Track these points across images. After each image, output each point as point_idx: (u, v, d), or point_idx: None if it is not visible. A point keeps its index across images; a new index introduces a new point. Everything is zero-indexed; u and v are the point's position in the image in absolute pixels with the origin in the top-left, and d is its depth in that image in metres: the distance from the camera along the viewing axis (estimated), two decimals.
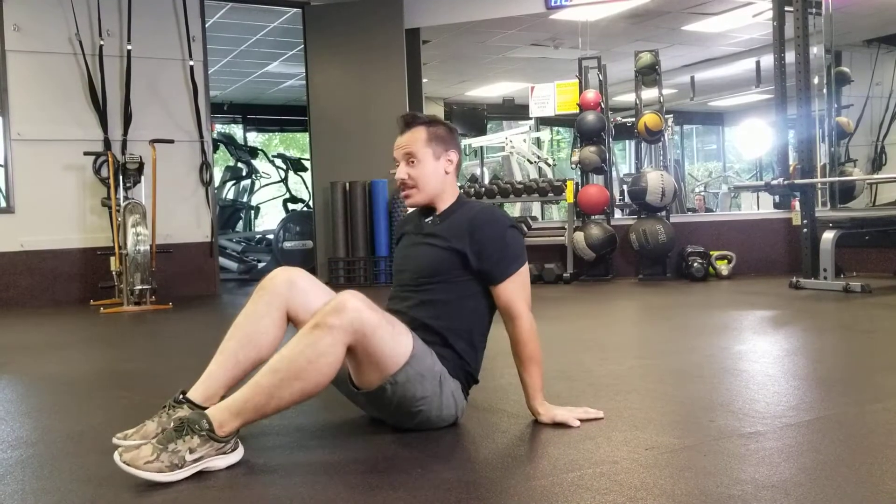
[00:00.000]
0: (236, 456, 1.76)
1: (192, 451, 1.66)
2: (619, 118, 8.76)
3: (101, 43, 6.21)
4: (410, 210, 2.27)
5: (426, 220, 2.15)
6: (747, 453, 1.74)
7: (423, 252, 2.11)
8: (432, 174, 2.09)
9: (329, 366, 1.71)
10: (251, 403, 1.70)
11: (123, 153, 6.01)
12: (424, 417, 1.96)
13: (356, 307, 1.74)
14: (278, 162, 11.54)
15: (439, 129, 2.11)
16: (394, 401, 1.89)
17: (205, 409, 1.97)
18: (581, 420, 2.03)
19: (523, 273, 2.07)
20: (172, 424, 1.70)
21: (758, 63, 9.28)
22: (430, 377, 1.91)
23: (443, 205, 2.13)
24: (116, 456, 1.62)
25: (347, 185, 6.88)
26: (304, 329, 1.74)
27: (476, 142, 10.39)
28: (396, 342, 1.84)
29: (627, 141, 11.63)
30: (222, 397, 2.00)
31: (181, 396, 1.97)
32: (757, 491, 1.49)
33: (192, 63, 6.57)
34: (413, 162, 2.08)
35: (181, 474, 1.64)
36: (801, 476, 1.59)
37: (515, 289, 2.05)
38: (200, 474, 1.68)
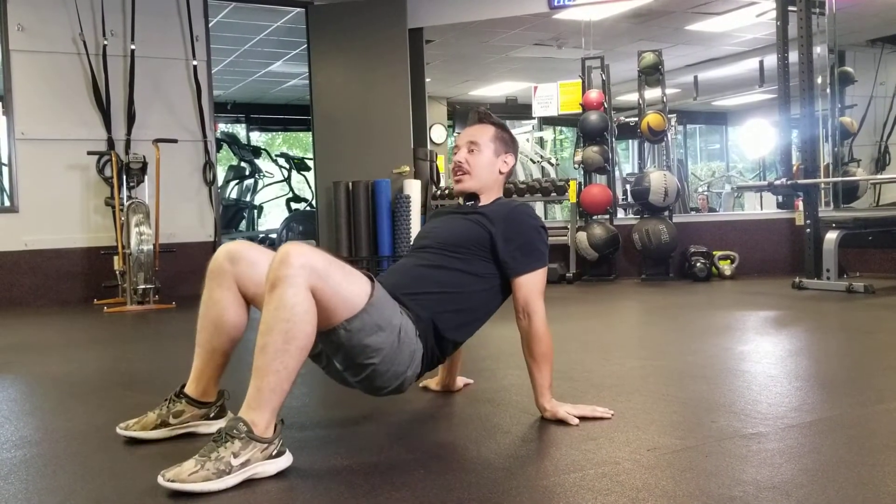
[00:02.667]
0: (285, 461, 1.72)
1: (236, 455, 1.61)
2: (622, 118, 8.76)
3: (105, 43, 6.23)
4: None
5: (467, 203, 2.25)
6: (749, 454, 1.75)
7: (454, 224, 2.19)
8: (487, 167, 2.21)
9: (307, 313, 1.68)
10: (265, 389, 1.67)
11: (127, 153, 6.02)
12: (373, 371, 1.88)
13: (299, 251, 1.71)
14: (281, 161, 11.56)
15: (505, 134, 2.27)
16: (346, 346, 1.83)
17: (202, 403, 2.03)
18: (586, 417, 2.04)
19: (543, 273, 2.12)
20: (212, 437, 1.66)
21: (761, 63, 9.28)
22: (388, 329, 1.85)
23: (487, 199, 2.24)
24: (160, 478, 1.57)
25: (350, 184, 6.88)
26: (266, 297, 1.71)
27: None
28: (351, 282, 1.80)
29: (630, 141, 11.64)
30: (220, 392, 2.07)
31: (180, 391, 2.04)
32: (758, 492, 1.50)
33: (195, 63, 6.58)
34: (474, 150, 2.20)
35: (230, 481, 1.60)
36: (802, 477, 1.59)
37: (535, 286, 2.09)
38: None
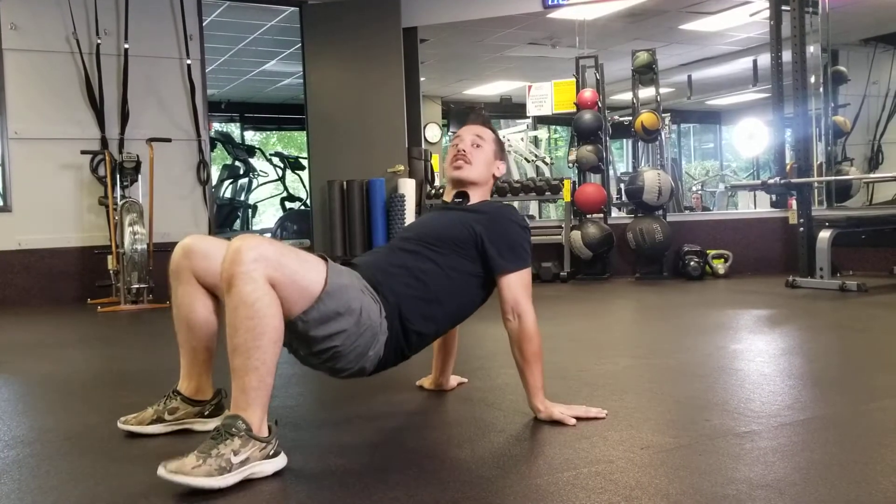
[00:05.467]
0: (281, 461, 1.71)
1: (236, 453, 1.61)
2: (616, 117, 8.78)
3: (99, 42, 6.21)
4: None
5: (455, 200, 2.27)
6: (742, 452, 1.75)
7: (439, 219, 2.21)
8: (486, 164, 2.27)
9: (270, 306, 1.65)
10: (248, 388, 1.65)
11: (120, 152, 6.01)
12: (336, 353, 1.85)
13: (249, 245, 1.67)
14: (276, 160, 11.55)
15: (501, 142, 2.37)
16: (305, 335, 1.81)
17: (196, 401, 2.04)
18: (580, 418, 2.04)
19: (528, 273, 2.12)
20: (210, 434, 1.65)
21: (755, 62, 9.29)
22: (347, 313, 1.82)
23: (475, 198, 2.27)
24: (161, 469, 1.55)
25: (345, 183, 6.88)
26: (225, 298, 1.69)
27: None
28: (307, 269, 1.76)
29: (625, 140, 11.65)
30: (218, 391, 2.09)
31: (176, 389, 2.07)
32: (751, 490, 1.50)
33: (189, 62, 6.56)
34: (480, 145, 2.25)
35: (230, 479, 1.59)
36: (795, 475, 1.60)
37: (521, 286, 2.09)
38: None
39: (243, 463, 1.62)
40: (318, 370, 1.97)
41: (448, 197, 2.30)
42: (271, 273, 1.67)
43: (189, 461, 1.58)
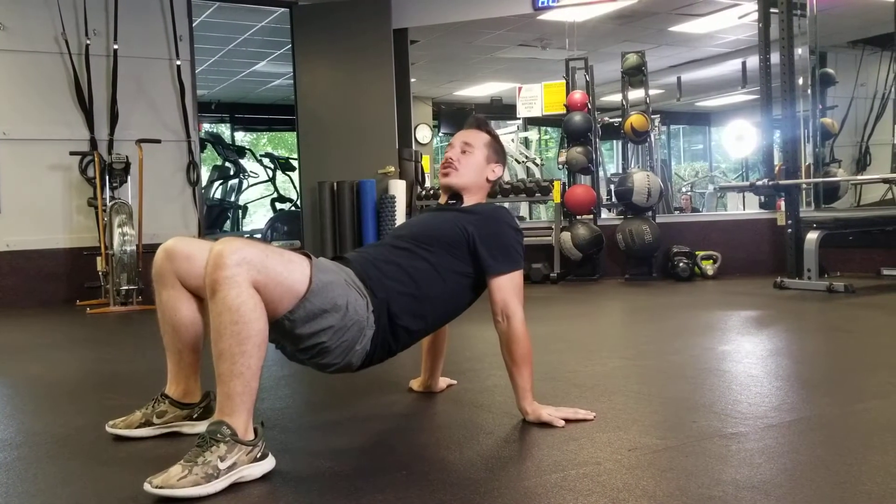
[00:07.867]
0: (269, 463, 1.71)
1: (222, 458, 1.60)
2: (606, 118, 8.80)
3: (88, 42, 6.19)
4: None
5: (450, 202, 2.27)
6: (729, 454, 1.76)
7: (432, 220, 2.21)
8: (476, 169, 2.26)
9: (254, 310, 1.64)
10: (234, 394, 1.65)
11: (110, 153, 5.99)
12: (323, 349, 1.84)
13: (232, 248, 1.65)
14: (266, 161, 11.53)
15: (497, 144, 2.34)
16: (292, 333, 1.80)
17: (184, 404, 2.03)
18: (569, 420, 2.04)
19: (519, 276, 2.13)
20: (196, 442, 1.65)
21: (744, 64, 9.34)
22: (332, 310, 1.80)
23: (469, 201, 2.27)
24: (147, 485, 1.55)
25: (335, 184, 6.88)
26: (209, 303, 1.67)
27: None
28: (291, 270, 1.74)
29: (614, 141, 11.69)
30: (206, 394, 2.08)
31: (164, 392, 2.06)
32: (737, 492, 1.51)
33: (179, 62, 6.55)
34: (466, 151, 2.25)
35: (219, 485, 1.59)
36: (781, 477, 1.61)
37: (512, 288, 2.09)
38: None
39: (230, 468, 1.62)
40: (305, 366, 1.96)
41: (443, 200, 2.32)
42: (255, 276, 1.66)
43: (174, 472, 1.58)
